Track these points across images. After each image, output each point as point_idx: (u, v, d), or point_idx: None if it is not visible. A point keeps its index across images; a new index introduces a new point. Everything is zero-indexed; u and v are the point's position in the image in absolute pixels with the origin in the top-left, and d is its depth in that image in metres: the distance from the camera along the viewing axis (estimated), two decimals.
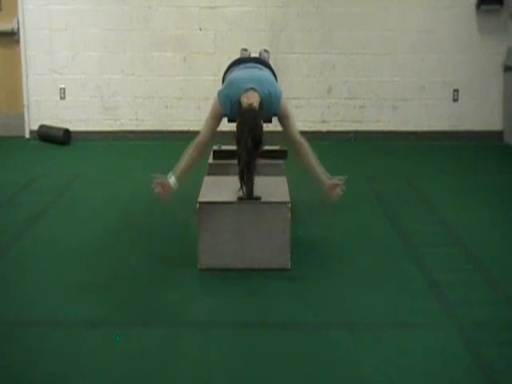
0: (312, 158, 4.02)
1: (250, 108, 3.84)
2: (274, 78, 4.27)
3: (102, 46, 7.47)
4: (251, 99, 3.88)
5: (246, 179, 3.87)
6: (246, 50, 5.48)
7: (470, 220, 4.92)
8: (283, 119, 4.05)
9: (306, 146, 4.04)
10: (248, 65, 4.30)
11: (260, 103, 3.91)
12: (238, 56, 5.13)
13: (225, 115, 4.07)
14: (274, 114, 4.08)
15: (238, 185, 3.87)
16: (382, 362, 3.01)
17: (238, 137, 3.77)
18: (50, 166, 6.59)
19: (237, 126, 3.83)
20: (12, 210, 5.21)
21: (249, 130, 3.71)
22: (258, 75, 4.10)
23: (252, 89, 3.91)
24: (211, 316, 3.48)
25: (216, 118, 4.04)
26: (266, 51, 5.47)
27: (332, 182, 3.97)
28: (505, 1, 7.30)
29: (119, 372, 2.95)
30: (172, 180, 3.93)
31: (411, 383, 2.87)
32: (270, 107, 3.98)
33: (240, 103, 3.91)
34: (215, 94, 4.13)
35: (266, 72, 4.25)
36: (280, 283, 3.85)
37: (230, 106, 3.96)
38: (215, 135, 4.08)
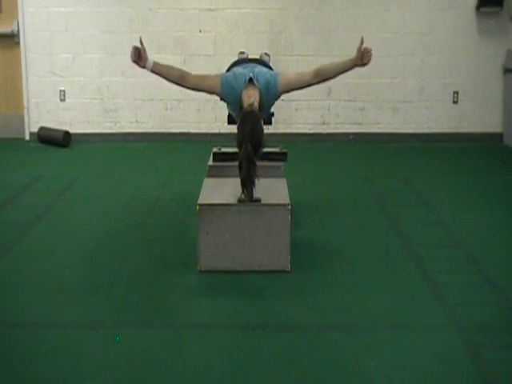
0: (333, 65, 4.10)
1: (251, 110, 3.85)
2: (268, 69, 4.29)
3: (101, 48, 7.47)
4: (252, 98, 3.90)
5: (247, 183, 3.88)
6: (243, 52, 5.49)
7: (469, 221, 4.93)
8: (287, 86, 4.09)
9: (319, 67, 4.08)
10: (248, 65, 4.31)
11: (260, 100, 3.94)
12: (236, 59, 5.13)
13: (221, 98, 4.13)
14: (278, 96, 4.13)
15: (238, 186, 3.87)
16: (382, 364, 3.01)
17: (238, 141, 3.78)
18: (50, 168, 6.60)
19: (237, 129, 3.84)
20: (12, 212, 5.21)
21: (249, 135, 3.72)
22: (256, 70, 4.12)
23: (252, 83, 3.94)
24: (211, 318, 3.48)
25: (209, 87, 4.10)
26: (266, 54, 5.48)
27: (358, 53, 3.99)
28: (504, 3, 7.31)
29: (119, 374, 2.94)
30: (151, 58, 4.01)
31: None
32: (270, 96, 4.03)
33: (241, 99, 3.93)
34: (215, 97, 4.17)
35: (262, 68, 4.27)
36: (280, 285, 3.85)
37: (230, 95, 4.02)
38: (194, 86, 4.11)
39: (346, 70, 4.07)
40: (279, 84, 4.05)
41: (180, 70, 4.11)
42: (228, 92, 4.03)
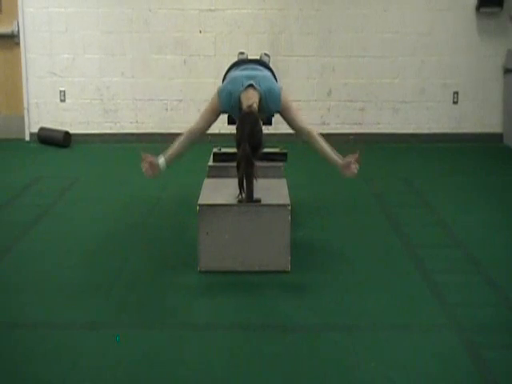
0: (323, 144, 3.96)
1: (250, 111, 3.84)
2: (273, 77, 4.27)
3: (102, 48, 7.47)
4: (251, 99, 3.88)
5: (246, 184, 3.88)
6: (242, 53, 5.48)
7: (469, 221, 4.93)
8: (286, 112, 4.02)
9: (314, 133, 4.00)
10: (248, 66, 4.31)
11: (260, 102, 3.92)
12: (236, 59, 5.12)
13: (223, 111, 4.08)
14: (277, 111, 4.06)
15: (238, 187, 3.87)
16: (382, 364, 3.01)
17: (237, 141, 3.77)
18: (50, 169, 6.60)
19: (236, 130, 3.83)
20: (12, 212, 5.21)
21: (248, 136, 3.71)
22: (257, 73, 4.10)
23: (251, 86, 3.92)
24: (211, 318, 3.48)
25: (213, 113, 4.04)
26: (266, 55, 5.47)
27: (345, 161, 3.89)
28: (504, 3, 7.31)
29: (119, 374, 2.94)
30: (161, 161, 3.95)
31: None
32: (271, 104, 3.97)
33: (239, 101, 3.92)
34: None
35: (265, 72, 4.25)
36: (280, 285, 3.85)
37: (229, 102, 3.97)
38: (207, 128, 4.07)
39: (327, 160, 3.98)
40: (282, 100, 3.99)
41: (186, 133, 4.02)
42: (226, 100, 3.98)
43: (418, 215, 5.09)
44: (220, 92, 4.01)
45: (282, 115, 4.05)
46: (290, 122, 4.05)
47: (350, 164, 3.87)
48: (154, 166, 3.94)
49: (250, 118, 3.81)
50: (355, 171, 3.88)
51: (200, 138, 4.08)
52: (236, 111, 3.99)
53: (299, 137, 4.08)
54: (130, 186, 5.86)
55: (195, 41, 7.46)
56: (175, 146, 4.01)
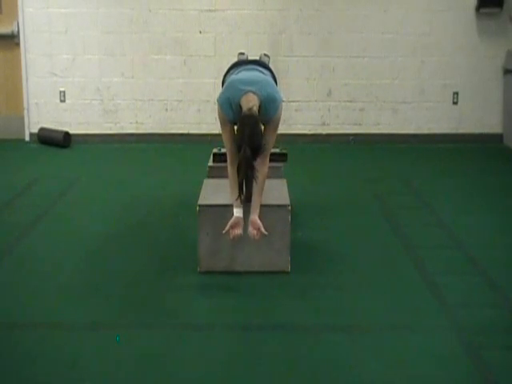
0: (261, 183, 3.89)
1: (250, 114, 3.83)
2: (273, 82, 4.25)
3: (101, 48, 7.47)
4: (251, 103, 3.87)
5: (246, 185, 3.87)
6: (243, 53, 5.46)
7: (470, 222, 4.93)
8: (270, 127, 3.99)
9: (265, 168, 3.93)
10: (248, 67, 4.29)
11: (259, 106, 3.91)
12: (236, 60, 5.11)
13: (232, 121, 3.99)
14: (270, 119, 3.99)
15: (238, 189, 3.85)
16: (382, 365, 3.01)
17: (237, 144, 3.77)
18: (50, 169, 6.60)
19: (236, 132, 3.83)
20: (12, 213, 5.21)
21: (248, 138, 3.71)
22: (257, 77, 4.09)
23: (251, 91, 3.90)
24: (211, 318, 3.48)
25: (226, 125, 4.00)
26: (266, 55, 5.46)
27: (257, 221, 3.85)
28: (504, 4, 7.31)
29: (119, 374, 2.95)
30: (239, 212, 3.88)
31: None
32: (269, 110, 3.96)
33: (240, 106, 3.90)
34: (215, 97, 4.13)
35: (266, 75, 4.24)
36: (279, 286, 3.85)
37: (230, 109, 3.94)
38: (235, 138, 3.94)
39: (251, 200, 3.92)
40: (278, 110, 3.95)
41: (230, 164, 3.95)
42: (227, 108, 3.95)
43: (418, 216, 5.09)
44: (220, 103, 3.97)
45: (266, 124, 3.99)
46: (266, 135, 3.93)
47: (257, 228, 3.83)
48: (238, 224, 3.86)
49: (249, 120, 3.80)
50: (256, 236, 3.84)
51: (236, 149, 3.86)
52: (236, 114, 3.97)
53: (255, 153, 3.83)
54: (130, 187, 5.86)
55: (195, 41, 7.46)
56: (232, 183, 3.91)
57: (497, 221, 4.98)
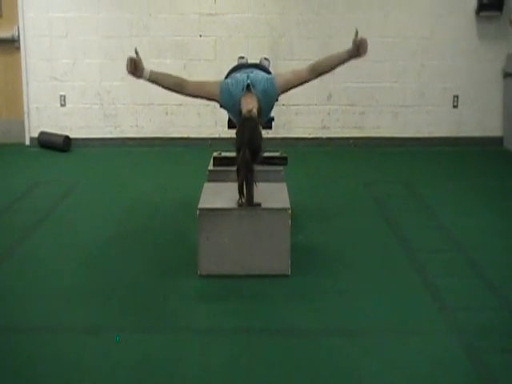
0: (328, 57, 4.11)
1: (250, 116, 3.85)
2: (264, 73, 4.28)
3: (102, 53, 7.48)
4: (250, 105, 3.89)
5: (246, 189, 3.88)
6: (242, 57, 5.49)
7: (470, 225, 4.92)
8: (287, 84, 4.09)
9: (315, 62, 4.10)
10: (248, 70, 4.31)
11: (259, 105, 3.93)
12: (236, 64, 5.13)
13: (220, 105, 4.14)
14: (278, 96, 4.13)
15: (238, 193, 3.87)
16: (382, 368, 3.00)
17: (237, 146, 3.78)
18: (50, 173, 6.60)
19: (236, 135, 3.84)
20: (13, 217, 5.21)
21: (247, 141, 3.72)
22: (252, 76, 4.12)
23: (249, 90, 3.94)
24: (211, 322, 3.48)
25: (208, 93, 4.10)
26: (266, 59, 5.48)
27: (352, 47, 4.01)
28: (504, 7, 7.32)
29: (119, 378, 2.95)
30: (148, 69, 3.99)
31: None
32: (270, 97, 4.02)
33: (240, 105, 3.93)
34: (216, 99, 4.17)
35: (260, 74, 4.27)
36: (280, 289, 3.85)
37: (228, 101, 4.01)
38: (192, 94, 4.12)
39: (342, 63, 4.09)
40: (277, 86, 4.04)
41: (178, 78, 4.10)
42: (227, 99, 4.03)
43: (418, 219, 5.09)
44: (222, 88, 4.04)
45: (285, 91, 4.11)
46: (295, 83, 4.10)
47: (359, 45, 3.97)
48: (138, 66, 3.95)
49: (249, 123, 3.82)
50: (366, 48, 3.98)
51: (179, 91, 4.09)
52: (236, 113, 4.01)
53: (314, 76, 4.11)
54: (130, 190, 5.86)
55: (195, 45, 7.47)
56: (164, 74, 4.06)
57: (497, 223, 4.98)
